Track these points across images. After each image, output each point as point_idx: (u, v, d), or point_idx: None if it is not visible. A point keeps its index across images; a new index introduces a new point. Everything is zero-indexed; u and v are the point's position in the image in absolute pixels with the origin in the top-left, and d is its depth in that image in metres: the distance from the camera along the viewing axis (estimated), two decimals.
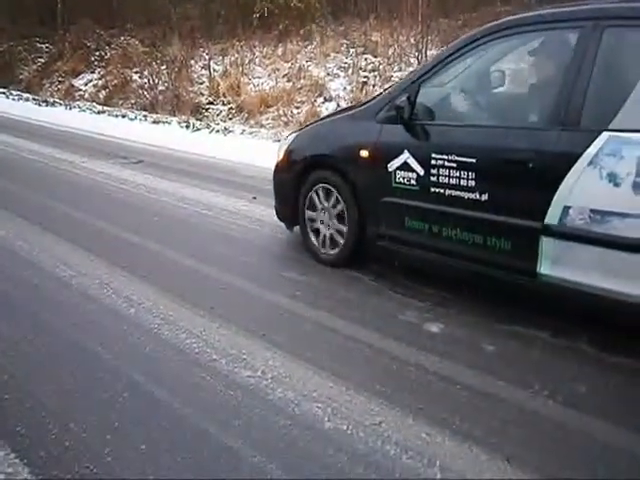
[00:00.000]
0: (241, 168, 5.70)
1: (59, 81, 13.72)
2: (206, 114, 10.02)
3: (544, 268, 2.58)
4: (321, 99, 10.27)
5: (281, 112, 9.60)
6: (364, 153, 3.13)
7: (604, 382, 2.33)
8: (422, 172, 2.90)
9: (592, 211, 2.39)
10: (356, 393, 2.28)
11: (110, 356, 2.57)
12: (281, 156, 3.72)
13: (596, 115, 2.45)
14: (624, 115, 2.37)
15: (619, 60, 2.53)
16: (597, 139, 2.37)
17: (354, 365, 2.47)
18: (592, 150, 2.37)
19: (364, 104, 3.51)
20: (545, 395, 2.25)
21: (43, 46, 15.57)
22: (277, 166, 3.76)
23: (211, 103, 10.59)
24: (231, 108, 10.19)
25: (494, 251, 2.72)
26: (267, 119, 9.40)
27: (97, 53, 14.16)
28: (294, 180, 3.54)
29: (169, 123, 8.50)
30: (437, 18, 12.43)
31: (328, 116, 4.22)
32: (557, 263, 2.54)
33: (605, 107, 2.46)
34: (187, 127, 8.09)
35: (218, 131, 7.67)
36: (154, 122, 8.63)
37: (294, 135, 3.79)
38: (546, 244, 2.54)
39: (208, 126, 7.98)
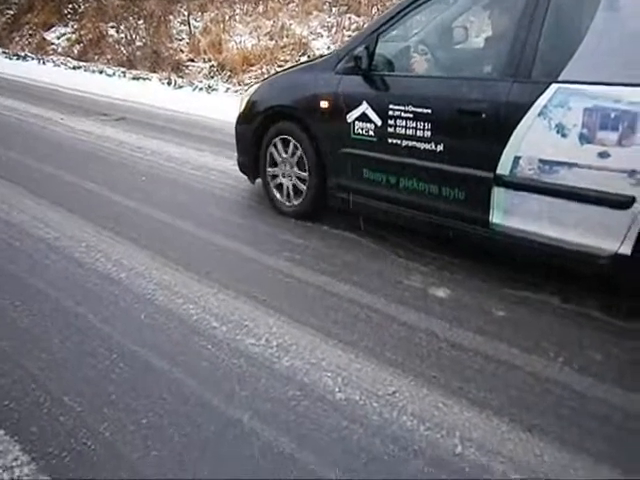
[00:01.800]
0: (227, 127, 5.43)
1: (30, 34, 13.05)
2: (187, 71, 9.64)
3: (496, 218, 2.62)
4: (305, 58, 9.96)
5: (264, 70, 9.29)
6: (324, 104, 3.12)
7: (618, 348, 2.27)
8: (380, 123, 2.90)
9: (541, 161, 2.42)
10: (366, 361, 2.19)
11: (103, 324, 2.42)
12: (243, 107, 3.66)
13: (546, 67, 2.45)
14: (573, 67, 2.38)
15: (570, 11, 2.51)
16: (546, 90, 2.39)
17: (361, 332, 2.37)
18: (541, 101, 2.40)
19: (324, 56, 3.49)
20: (561, 362, 2.18)
21: None
22: (239, 117, 3.71)
23: (191, 60, 10.20)
24: (212, 66, 9.81)
25: (449, 201, 2.75)
26: (250, 78, 9.07)
27: (70, 6, 13.47)
28: (256, 131, 3.51)
29: (149, 80, 8.15)
30: None
31: (289, 68, 4.11)
32: (508, 213, 2.58)
33: (555, 59, 2.45)
34: (169, 84, 7.76)
35: (201, 89, 7.37)
36: (134, 78, 8.27)
37: (256, 86, 3.73)
38: (498, 194, 2.57)
39: (191, 84, 7.66)
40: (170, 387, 2.05)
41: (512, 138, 2.47)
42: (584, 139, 2.32)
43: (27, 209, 3.62)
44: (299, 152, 3.31)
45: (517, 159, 2.48)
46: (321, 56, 4.16)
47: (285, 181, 3.45)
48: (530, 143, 2.44)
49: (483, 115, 2.55)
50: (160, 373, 2.12)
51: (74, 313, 2.50)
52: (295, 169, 3.37)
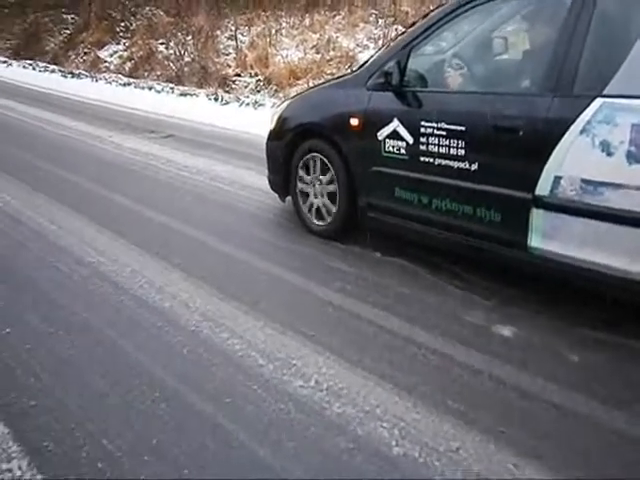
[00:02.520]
0: None
1: (85, 52, 13.43)
2: (233, 86, 9.68)
3: (534, 241, 2.47)
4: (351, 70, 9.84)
5: (311, 84, 9.22)
6: (354, 121, 3.04)
7: None
8: (411, 140, 2.80)
9: (584, 181, 2.27)
10: (426, 410, 1.99)
11: (145, 358, 2.31)
12: (274, 124, 3.60)
13: (590, 80, 2.31)
14: (619, 80, 2.23)
15: (614, 23, 2.37)
16: (590, 105, 2.24)
17: (419, 375, 2.17)
18: (585, 117, 2.25)
19: (355, 71, 3.40)
20: None
21: (68, 17, 15.28)
22: (270, 134, 3.64)
23: (238, 75, 10.24)
24: (259, 80, 9.83)
25: (484, 223, 2.62)
26: (296, 92, 9.02)
27: (122, 24, 13.83)
28: (286, 149, 3.45)
29: (197, 96, 8.18)
30: None
31: (320, 84, 4.03)
32: (548, 236, 2.43)
33: (599, 72, 2.30)
34: (215, 100, 7.76)
35: (248, 104, 7.32)
36: (181, 94, 8.31)
37: (287, 102, 3.67)
38: (536, 216, 2.43)
39: (237, 99, 7.63)
40: (214, 433, 1.90)
41: (552, 157, 2.32)
42: (632, 158, 2.15)
43: (74, 231, 3.58)
44: (329, 170, 3.23)
45: (558, 179, 2.33)
46: (351, 71, 4.10)
47: (315, 200, 3.37)
48: (572, 162, 2.29)
49: (521, 132, 2.42)
50: (204, 416, 1.98)
51: (116, 345, 2.40)
52: (325, 188, 3.29)
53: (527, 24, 2.94)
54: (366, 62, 3.32)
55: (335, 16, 12.88)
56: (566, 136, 2.29)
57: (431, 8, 12.01)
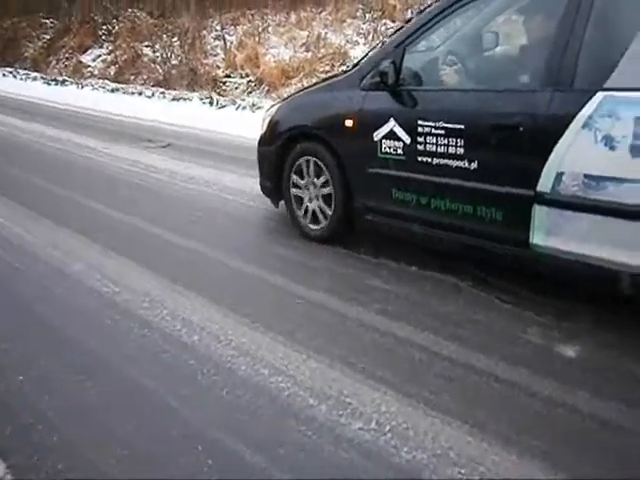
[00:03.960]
0: None
1: (66, 57, 13.08)
2: (224, 88, 9.43)
3: (537, 238, 2.43)
4: (344, 68, 9.62)
5: (305, 84, 8.99)
6: (348, 122, 2.97)
7: None
8: (409, 140, 2.74)
9: (586, 177, 2.23)
10: (504, 450, 1.79)
11: (180, 405, 2.08)
12: (264, 128, 3.53)
13: (590, 74, 2.28)
14: (620, 73, 2.18)
15: (614, 14, 2.32)
16: (591, 99, 2.19)
17: (487, 408, 1.97)
18: (586, 111, 2.20)
19: (347, 71, 3.37)
20: None
21: (47, 21, 14.86)
22: (261, 138, 3.59)
23: (228, 76, 9.98)
24: (250, 81, 9.58)
25: (484, 221, 2.58)
26: (289, 92, 8.78)
27: (104, 27, 13.45)
28: (278, 153, 3.38)
29: (190, 100, 7.91)
30: None
31: (312, 85, 3.99)
32: (551, 233, 2.39)
33: (600, 65, 2.27)
34: (210, 104, 7.50)
35: (245, 107, 7.07)
36: (173, 99, 8.04)
37: (277, 106, 3.60)
38: (539, 213, 2.39)
39: (233, 102, 7.38)
40: None
41: (554, 153, 2.27)
42: (636, 151, 2.10)
43: (81, 254, 3.33)
44: (324, 173, 3.16)
45: (560, 175, 2.28)
46: (342, 71, 4.06)
47: (310, 204, 3.29)
48: (574, 158, 2.25)
49: (521, 129, 2.37)
50: (255, 472, 1.77)
51: (146, 390, 2.18)
52: (320, 191, 3.21)
53: (523, 18, 2.88)
54: (358, 62, 3.25)
55: (321, 12, 12.64)
56: (568, 131, 2.24)
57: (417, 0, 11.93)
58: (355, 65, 3.32)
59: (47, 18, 15.22)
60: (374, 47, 10.83)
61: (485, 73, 3.01)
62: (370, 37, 10.69)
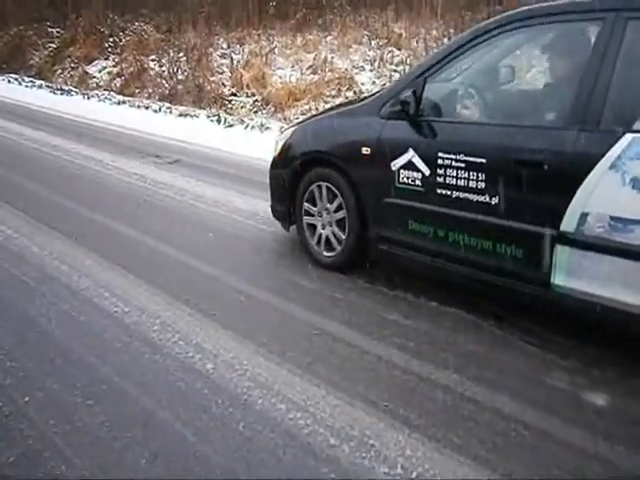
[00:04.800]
0: None
1: (72, 67, 13.05)
2: (230, 106, 9.42)
3: (558, 278, 2.37)
4: (351, 93, 9.66)
5: (311, 106, 9.00)
6: (365, 150, 2.92)
7: None
8: (428, 172, 2.69)
9: (613, 219, 2.18)
10: None
11: (195, 438, 1.99)
12: (277, 151, 3.49)
13: (619, 115, 2.24)
14: None
15: None
16: (620, 141, 2.16)
17: (519, 459, 1.89)
18: (614, 153, 2.16)
19: (365, 98, 3.34)
20: None
21: (54, 31, 14.88)
22: (273, 161, 3.55)
23: (234, 95, 9.99)
24: (256, 100, 9.59)
25: (504, 258, 2.51)
26: (296, 114, 8.78)
27: (111, 39, 13.49)
28: (291, 177, 3.33)
29: (197, 116, 7.87)
30: (459, 11, 12.03)
31: (327, 110, 3.95)
32: (573, 274, 2.34)
33: (628, 106, 2.27)
34: (218, 121, 7.45)
35: (253, 127, 7.03)
36: (180, 115, 7.99)
37: (292, 129, 3.54)
38: (561, 253, 2.34)
39: (242, 121, 7.33)
40: None
41: (579, 192, 2.23)
42: None
43: (88, 271, 3.25)
44: (338, 200, 3.11)
45: (584, 216, 2.24)
46: (359, 98, 4.02)
47: (323, 231, 3.23)
48: (600, 198, 2.21)
49: (545, 166, 2.32)
50: None
51: (159, 420, 2.08)
52: (334, 218, 3.15)
53: (550, 55, 2.82)
54: (379, 91, 3.22)
55: (327, 36, 12.78)
56: (594, 172, 2.20)
57: (422, 30, 12.08)
58: (374, 94, 3.31)
59: (53, 27, 15.25)
60: (381, 75, 10.86)
61: (509, 108, 2.98)
62: (376, 64, 10.80)
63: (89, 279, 3.15)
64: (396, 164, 2.80)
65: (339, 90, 9.63)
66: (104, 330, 2.66)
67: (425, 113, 2.75)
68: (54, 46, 14.27)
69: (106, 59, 13.20)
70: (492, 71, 3.11)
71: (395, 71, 10.17)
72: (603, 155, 2.18)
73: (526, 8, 2.75)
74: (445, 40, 11.39)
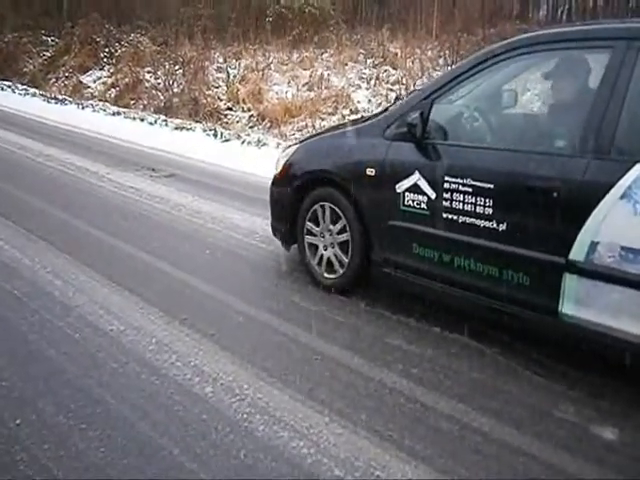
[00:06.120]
0: None
1: (66, 76, 12.99)
2: (225, 120, 9.41)
3: (567, 307, 2.33)
4: (347, 111, 9.69)
5: (307, 123, 9.01)
6: (370, 171, 2.89)
7: None
8: (434, 196, 2.66)
9: (624, 249, 2.15)
10: None
11: (194, 465, 1.93)
12: (279, 169, 3.44)
13: (628, 144, 2.25)
14: None
15: None
16: (631, 170, 2.14)
17: None
18: (625, 182, 2.14)
19: (369, 118, 3.30)
20: None
21: (49, 39, 14.85)
22: (274, 179, 3.49)
23: (230, 109, 9.99)
24: (252, 116, 9.59)
25: (510, 285, 2.47)
26: (292, 130, 8.78)
27: (106, 50, 13.47)
28: (293, 196, 3.29)
29: (193, 130, 7.82)
30: (455, 33, 12.20)
31: (330, 129, 3.94)
32: (582, 303, 2.30)
33: (638, 136, 2.27)
34: (214, 136, 7.41)
35: (250, 143, 6.99)
36: (176, 128, 7.93)
37: (294, 147, 3.50)
38: (570, 282, 2.30)
39: (238, 136, 7.30)
40: None
41: (589, 221, 2.21)
42: None
43: (83, 287, 3.17)
44: (341, 221, 3.06)
45: (594, 244, 2.21)
46: (362, 118, 3.99)
47: (325, 252, 3.18)
48: (611, 228, 2.18)
49: (555, 194, 2.30)
50: None
51: (157, 446, 2.01)
52: (336, 239, 3.10)
53: (560, 81, 2.79)
54: (382, 111, 3.21)
55: (323, 54, 12.86)
56: (604, 201, 2.18)
57: (417, 51, 12.18)
58: (379, 114, 3.28)
59: (48, 35, 15.21)
60: (377, 94, 10.87)
61: (517, 133, 2.94)
62: (372, 82, 10.87)
63: (84, 295, 3.07)
64: (401, 186, 2.77)
65: (335, 108, 9.66)
66: (99, 349, 2.58)
67: (432, 136, 2.72)
68: (49, 54, 14.22)
69: (101, 69, 13.17)
70: (498, 95, 3.08)
71: (391, 90, 10.24)
72: (614, 184, 2.16)
73: (533, 34, 2.76)
74: (440, 61, 11.57)
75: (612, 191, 2.16)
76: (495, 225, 2.48)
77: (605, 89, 2.30)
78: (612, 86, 2.28)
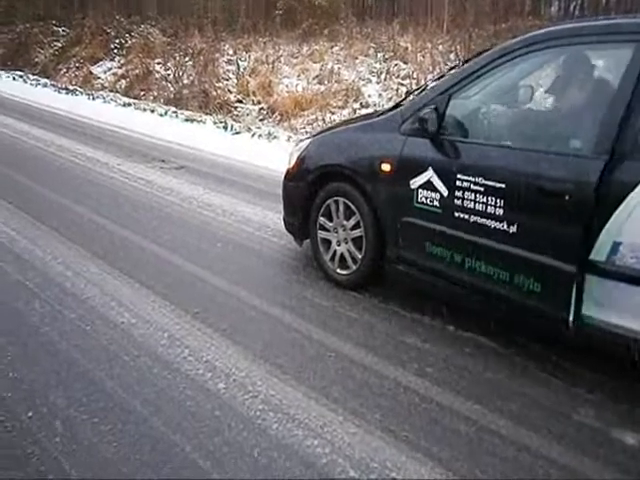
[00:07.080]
0: None
1: (77, 67, 13.01)
2: (235, 112, 9.36)
3: (586, 309, 2.26)
4: (357, 105, 9.62)
5: (317, 117, 8.95)
6: (385, 167, 2.84)
7: None
8: (446, 193, 2.61)
9: None
10: None
11: (206, 462, 1.91)
12: (292, 163, 3.40)
13: None
14: None
15: None
16: None
17: None
18: None
19: (385, 112, 3.22)
20: None
21: (60, 30, 14.87)
22: (287, 173, 3.45)
23: (240, 101, 9.94)
24: (262, 108, 9.54)
25: (523, 290, 2.41)
26: (302, 123, 8.73)
27: (117, 41, 13.46)
28: (306, 190, 3.25)
29: (203, 122, 7.79)
30: (466, 27, 12.08)
31: (343, 123, 3.85)
32: (602, 305, 2.24)
33: None
34: (225, 129, 7.37)
35: (261, 136, 6.95)
36: (187, 120, 7.91)
37: (307, 141, 3.45)
38: (589, 283, 2.24)
39: (248, 129, 7.26)
40: None
41: (610, 222, 2.16)
42: None
43: (94, 279, 3.15)
44: (355, 216, 3.02)
45: (617, 245, 2.16)
46: (376, 112, 3.92)
47: (338, 247, 3.13)
48: (634, 228, 2.13)
49: (570, 196, 2.24)
50: None
51: (170, 443, 1.98)
52: (350, 235, 3.05)
53: (579, 79, 2.72)
54: (396, 105, 3.16)
55: (333, 47, 12.78)
56: (627, 201, 2.12)
57: (428, 45, 12.09)
58: (393, 108, 3.23)
59: (59, 26, 15.23)
60: (387, 88, 10.76)
61: (533, 132, 2.83)
62: (382, 76, 10.79)
63: (95, 287, 3.05)
64: (415, 183, 2.72)
65: (346, 101, 9.59)
66: (110, 342, 2.56)
67: (447, 132, 2.66)
68: (59, 45, 14.24)
69: (111, 60, 13.16)
70: (514, 92, 3.02)
71: (401, 84, 10.16)
72: (638, 184, 2.11)
73: (552, 29, 2.70)
74: (452, 55, 11.47)
75: (635, 191, 2.11)
76: (506, 226, 2.42)
77: (628, 86, 2.22)
78: (636, 83, 2.20)
